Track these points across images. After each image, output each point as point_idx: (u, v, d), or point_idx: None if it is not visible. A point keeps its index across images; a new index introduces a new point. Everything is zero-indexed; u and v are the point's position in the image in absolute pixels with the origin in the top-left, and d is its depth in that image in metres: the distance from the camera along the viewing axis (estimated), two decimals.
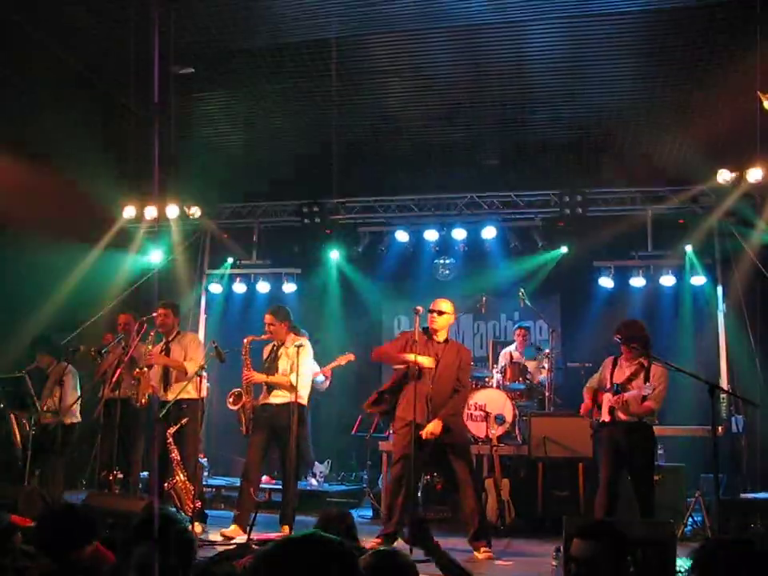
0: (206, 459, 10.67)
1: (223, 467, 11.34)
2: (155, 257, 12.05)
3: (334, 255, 12.31)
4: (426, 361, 7.23)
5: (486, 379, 9.89)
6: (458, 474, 7.23)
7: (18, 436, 8.39)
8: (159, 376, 8.27)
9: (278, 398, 7.96)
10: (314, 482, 10.70)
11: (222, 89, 8.67)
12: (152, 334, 8.33)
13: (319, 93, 8.65)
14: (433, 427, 7.09)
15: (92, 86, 8.45)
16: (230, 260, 12.52)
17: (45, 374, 8.72)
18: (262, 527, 7.73)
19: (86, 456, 9.48)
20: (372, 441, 10.31)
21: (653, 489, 7.16)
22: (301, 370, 7.89)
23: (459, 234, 11.61)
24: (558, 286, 12.02)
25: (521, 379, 9.91)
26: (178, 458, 7.82)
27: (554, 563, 6.37)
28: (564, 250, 11.45)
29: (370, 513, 9.63)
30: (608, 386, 7.36)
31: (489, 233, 11.55)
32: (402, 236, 11.87)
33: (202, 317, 12.50)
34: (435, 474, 9.39)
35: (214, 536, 7.59)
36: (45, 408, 8.36)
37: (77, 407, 8.57)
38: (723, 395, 9.59)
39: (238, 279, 12.45)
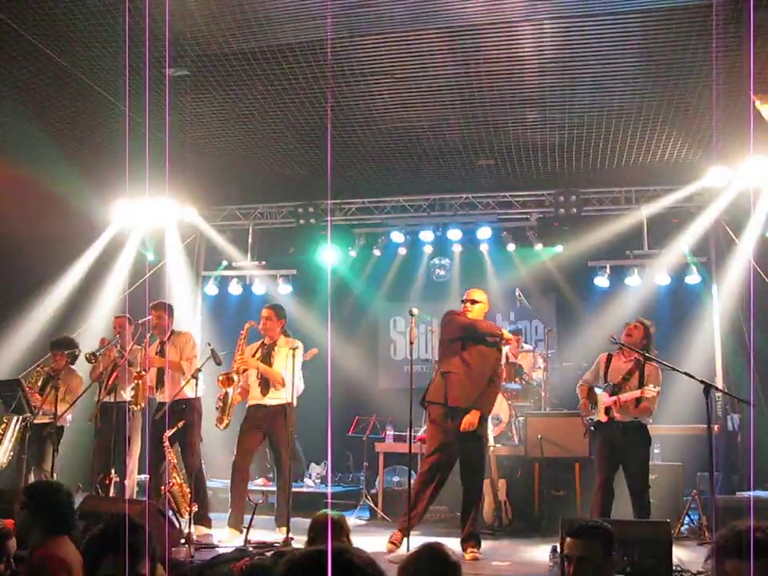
0: (203, 461, 10.66)
1: (220, 469, 11.31)
2: (150, 259, 12.05)
3: (329, 257, 12.31)
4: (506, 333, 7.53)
5: None
6: (471, 470, 7.26)
7: (12, 440, 8.38)
8: (154, 377, 8.27)
9: (273, 399, 7.96)
10: (310, 483, 10.71)
11: (216, 90, 8.65)
12: (147, 336, 8.33)
13: (313, 94, 8.64)
14: (471, 418, 7.10)
15: (86, 88, 8.43)
16: (225, 262, 12.53)
17: (53, 375, 8.74)
18: (259, 530, 7.75)
19: (83, 459, 9.47)
20: (368, 441, 10.33)
21: (648, 488, 7.18)
22: (296, 373, 7.91)
23: (454, 234, 11.62)
24: (553, 286, 12.05)
25: (517, 379, 9.92)
26: (174, 461, 7.81)
27: (550, 563, 6.38)
28: (559, 249, 11.47)
29: (367, 514, 9.64)
30: (602, 383, 7.39)
31: (484, 233, 11.57)
32: (397, 237, 11.88)
33: (198, 318, 12.50)
34: None
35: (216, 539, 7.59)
36: (43, 411, 8.36)
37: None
38: (718, 394, 9.61)
39: (233, 280, 12.46)
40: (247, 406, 8.15)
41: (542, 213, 11.40)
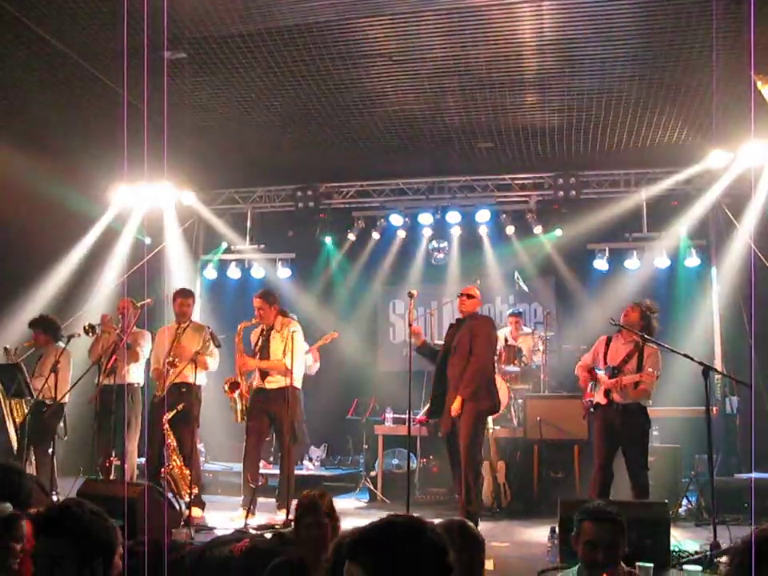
0: (202, 445, 10.68)
1: (220, 452, 11.36)
2: (147, 243, 12.04)
3: (328, 240, 12.32)
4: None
5: None
6: (460, 453, 7.37)
7: (12, 423, 8.40)
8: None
9: (273, 383, 7.99)
10: (310, 466, 10.74)
11: (214, 74, 8.62)
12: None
13: (312, 77, 8.61)
14: (456, 405, 7.38)
15: (83, 71, 8.39)
16: (224, 245, 12.52)
17: (42, 353, 8.76)
18: (260, 512, 7.79)
19: (83, 443, 9.48)
20: (368, 424, 10.35)
21: (647, 470, 7.20)
22: (295, 354, 7.93)
23: (453, 217, 11.60)
24: (552, 269, 12.05)
25: (516, 362, 9.93)
26: (174, 444, 7.83)
27: (549, 544, 6.40)
28: (559, 233, 11.46)
29: (366, 497, 9.67)
30: (602, 365, 7.40)
31: (483, 216, 11.55)
32: (396, 220, 11.86)
33: (197, 302, 12.47)
34: (431, 456, 9.45)
35: (212, 521, 7.62)
36: (39, 390, 8.38)
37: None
38: (717, 376, 9.63)
39: (232, 264, 12.46)
40: (250, 390, 8.19)
41: (541, 195, 11.40)
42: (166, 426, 7.76)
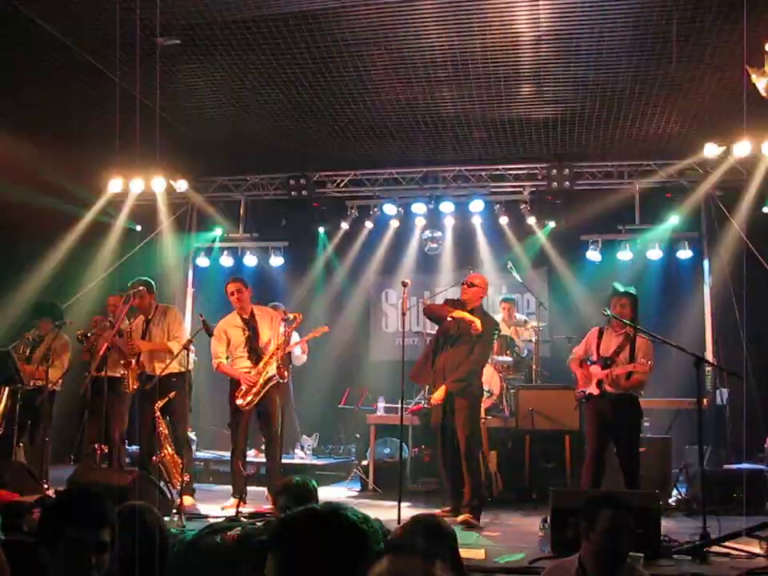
0: (194, 433, 10.68)
1: (211, 441, 11.36)
2: (142, 230, 12.04)
3: (321, 228, 12.30)
4: (468, 315, 7.46)
5: None
6: (459, 444, 7.37)
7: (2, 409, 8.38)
8: (146, 352, 8.21)
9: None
10: (302, 455, 10.75)
11: (208, 61, 8.59)
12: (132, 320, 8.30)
13: (306, 65, 8.58)
14: (438, 394, 7.40)
15: (76, 58, 8.35)
16: (218, 233, 12.49)
17: (39, 340, 8.73)
18: (251, 500, 7.79)
19: (73, 431, 9.48)
20: (360, 413, 10.36)
21: (638, 460, 7.22)
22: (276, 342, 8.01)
23: (447, 207, 11.60)
24: (545, 260, 12.06)
25: (508, 352, 9.95)
26: (166, 432, 7.81)
27: (541, 533, 6.42)
28: (552, 224, 11.48)
29: (358, 486, 9.68)
30: (594, 357, 7.41)
31: (476, 206, 11.55)
32: (389, 209, 11.85)
33: (189, 290, 12.48)
34: (423, 446, 9.46)
35: (203, 509, 7.61)
36: (34, 377, 8.38)
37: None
38: (708, 368, 9.66)
39: (225, 252, 12.43)
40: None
41: (534, 186, 11.39)
42: (157, 414, 7.74)
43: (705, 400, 9.16)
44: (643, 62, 8.34)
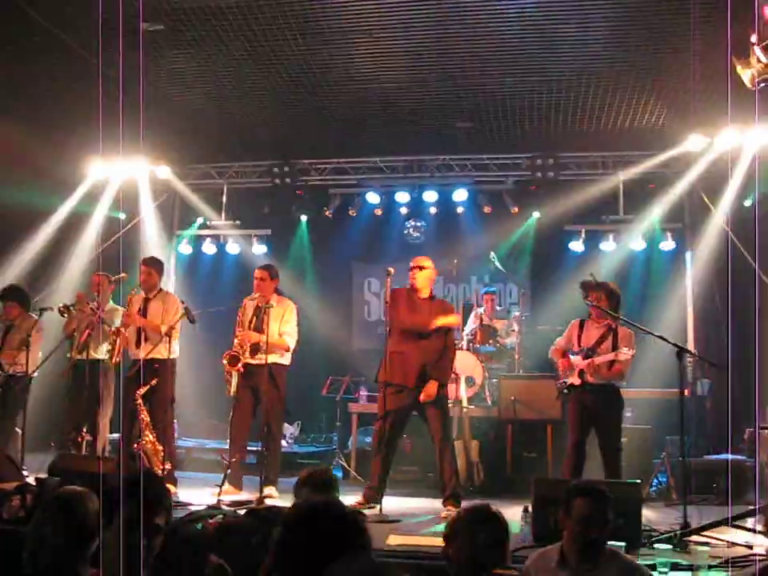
0: (176, 421, 10.63)
1: (194, 429, 11.32)
2: (124, 217, 11.95)
3: (304, 217, 12.27)
4: (450, 319, 7.52)
5: (456, 341, 9.90)
6: (436, 435, 7.34)
7: None
8: (133, 333, 8.18)
9: (260, 359, 7.86)
10: (284, 443, 10.72)
11: (192, 47, 8.52)
12: (133, 292, 8.24)
13: (291, 53, 8.54)
14: (429, 390, 7.23)
15: (57, 42, 8.25)
16: (200, 221, 12.42)
17: (9, 324, 8.64)
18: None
19: (54, 417, 9.41)
20: (342, 402, 10.36)
21: (620, 450, 7.25)
22: (293, 330, 8.04)
23: (430, 196, 11.58)
24: (528, 250, 12.07)
25: (490, 342, 9.97)
26: (147, 419, 7.77)
27: (522, 522, 6.44)
28: (537, 215, 11.50)
29: (340, 474, 9.67)
30: (576, 348, 7.43)
31: (460, 195, 11.54)
32: (372, 198, 11.82)
33: (172, 277, 12.42)
34: (404, 435, 9.45)
35: (185, 497, 7.58)
36: (10, 362, 8.30)
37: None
38: (689, 359, 9.71)
39: (207, 240, 12.37)
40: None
41: (518, 176, 11.39)
42: (139, 401, 7.70)
43: (686, 391, 9.22)
44: (628, 53, 8.34)
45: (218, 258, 12.45)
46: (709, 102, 9.03)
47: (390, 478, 7.62)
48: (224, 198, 12.18)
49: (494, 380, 9.63)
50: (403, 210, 12.12)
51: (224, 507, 6.50)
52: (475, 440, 8.89)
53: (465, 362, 9.29)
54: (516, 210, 11.48)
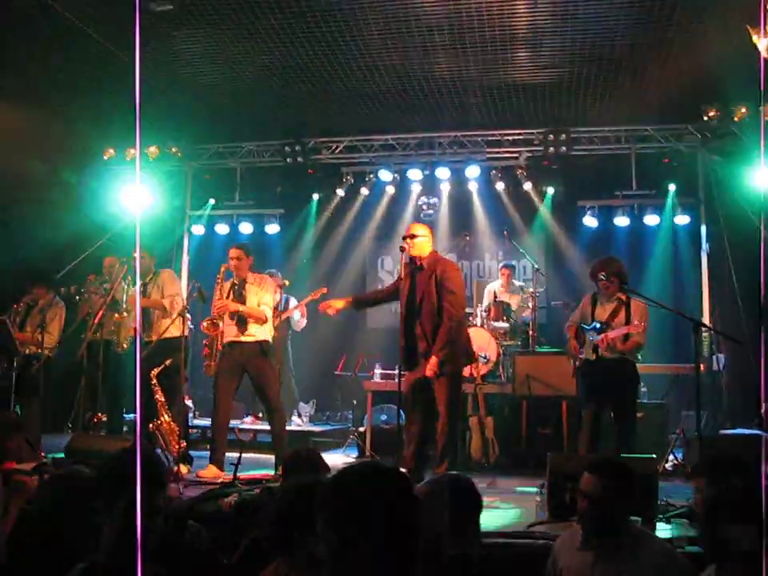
0: (191, 401, 10.69)
1: (208, 408, 11.35)
2: (137, 198, 11.96)
3: (317, 195, 12.26)
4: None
5: (470, 318, 9.89)
6: (438, 406, 7.13)
7: None
8: (140, 318, 8.17)
9: (248, 336, 7.84)
10: (299, 421, 10.77)
11: (201, 26, 8.48)
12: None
13: (301, 31, 8.48)
14: (432, 366, 6.86)
15: (66, 24, 8.23)
16: (212, 201, 12.42)
17: (32, 306, 8.70)
18: (246, 468, 7.78)
19: (70, 398, 9.47)
20: (357, 380, 10.37)
21: (635, 426, 7.23)
22: (269, 301, 7.95)
23: (443, 173, 11.54)
24: (542, 225, 12.03)
25: (505, 318, 9.94)
26: (162, 399, 7.80)
27: (537, 499, 6.44)
28: (551, 191, 11.45)
29: (355, 452, 9.70)
30: (590, 322, 7.40)
31: (472, 172, 11.48)
32: (385, 176, 11.79)
33: (185, 258, 12.43)
34: None
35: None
36: (30, 343, 8.37)
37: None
38: (705, 333, 9.66)
39: (220, 220, 12.37)
40: (221, 345, 7.92)
41: (531, 152, 11.32)
42: (154, 381, 7.73)
43: (702, 365, 9.19)
44: (640, 25, 8.25)
45: (231, 238, 12.43)
46: (723, 74, 8.93)
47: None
48: (237, 178, 12.17)
49: (509, 357, 9.61)
50: (416, 187, 12.08)
51: (239, 485, 6.52)
52: (490, 417, 8.88)
53: (479, 339, 9.27)
54: (529, 185, 11.42)
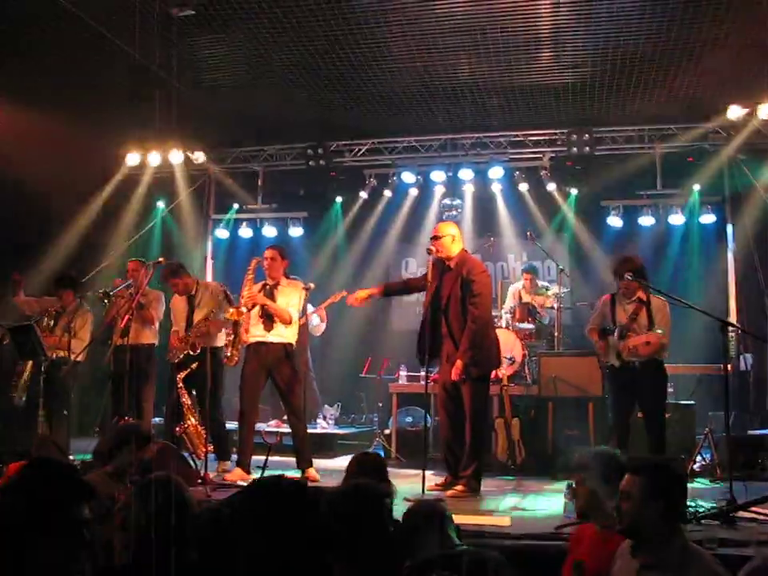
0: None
1: (234, 412, 11.37)
2: (160, 203, 12.07)
3: (340, 198, 12.28)
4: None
5: (496, 319, 9.86)
6: (466, 409, 7.12)
7: (22, 384, 8.41)
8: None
9: (276, 337, 7.80)
10: (324, 424, 10.78)
11: (223, 31, 8.52)
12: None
13: (323, 34, 8.50)
14: (457, 369, 6.90)
15: (90, 30, 8.28)
16: (236, 205, 12.49)
17: (61, 312, 8.76)
18: (272, 471, 7.78)
19: (97, 403, 9.53)
20: (382, 382, 10.37)
21: (664, 426, 7.19)
22: (297, 305, 7.89)
23: (466, 174, 11.52)
24: (566, 226, 11.99)
25: (530, 319, 9.90)
26: (189, 403, 7.84)
27: (565, 500, 6.40)
28: (575, 191, 11.42)
29: (381, 454, 9.69)
30: (611, 325, 7.33)
31: (496, 173, 11.46)
32: (408, 177, 11.79)
33: (209, 262, 12.50)
34: None
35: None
36: (57, 347, 8.43)
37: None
38: (732, 333, 9.59)
39: (243, 224, 12.43)
40: (247, 345, 7.93)
41: (554, 152, 11.28)
42: (180, 384, 7.76)
43: (729, 366, 9.12)
44: (663, 25, 8.20)
45: (254, 241, 12.48)
46: (748, 71, 8.88)
47: (431, 457, 7.62)
48: (260, 182, 12.22)
49: (534, 358, 9.58)
50: (439, 189, 12.07)
51: None
52: (516, 418, 8.85)
53: (505, 341, 9.23)
54: (552, 186, 11.38)
